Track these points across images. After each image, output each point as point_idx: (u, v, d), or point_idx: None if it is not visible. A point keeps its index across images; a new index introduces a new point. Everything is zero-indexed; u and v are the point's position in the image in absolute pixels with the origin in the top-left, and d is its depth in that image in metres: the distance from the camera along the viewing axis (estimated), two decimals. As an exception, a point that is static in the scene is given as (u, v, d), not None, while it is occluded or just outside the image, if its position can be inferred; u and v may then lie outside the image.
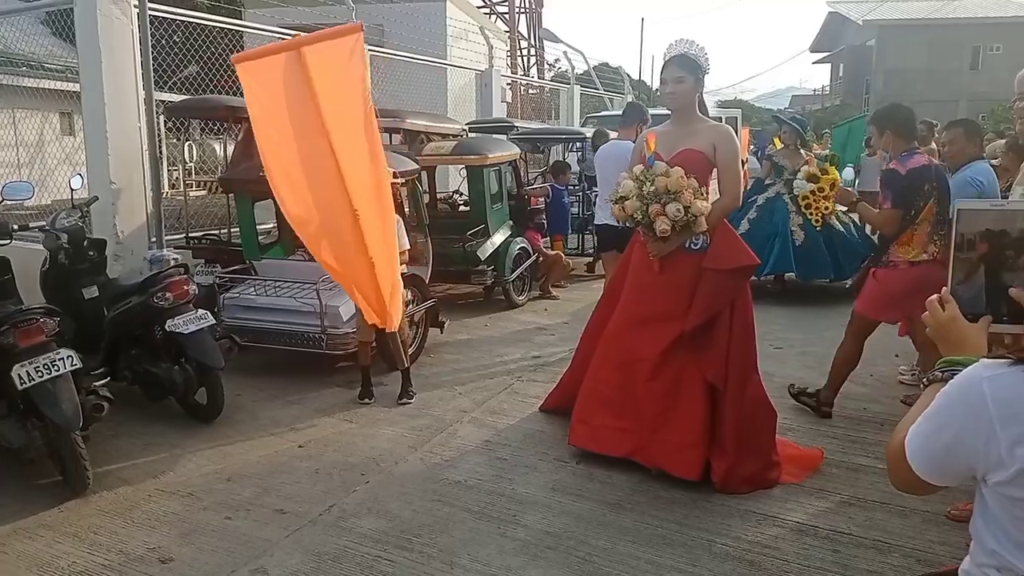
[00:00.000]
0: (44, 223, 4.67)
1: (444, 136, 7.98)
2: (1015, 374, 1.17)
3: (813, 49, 41.12)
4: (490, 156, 7.01)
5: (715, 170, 3.73)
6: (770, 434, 3.72)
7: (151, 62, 5.95)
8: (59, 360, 3.47)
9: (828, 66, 41.99)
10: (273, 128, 3.82)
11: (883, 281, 4.18)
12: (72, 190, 4.83)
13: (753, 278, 7.71)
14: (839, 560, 2.99)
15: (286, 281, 5.32)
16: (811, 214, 7.52)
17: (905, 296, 4.02)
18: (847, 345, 4.42)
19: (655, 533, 3.18)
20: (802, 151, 7.81)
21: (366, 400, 4.74)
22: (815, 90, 47.19)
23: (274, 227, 6.35)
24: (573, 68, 16.32)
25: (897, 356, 5.61)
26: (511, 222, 7.60)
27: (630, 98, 18.66)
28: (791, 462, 3.74)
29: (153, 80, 6.01)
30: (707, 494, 3.49)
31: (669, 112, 3.88)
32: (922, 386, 1.38)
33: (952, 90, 30.35)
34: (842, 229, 7.70)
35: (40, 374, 3.39)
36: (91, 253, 4.69)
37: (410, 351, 4.97)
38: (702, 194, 3.55)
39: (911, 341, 4.84)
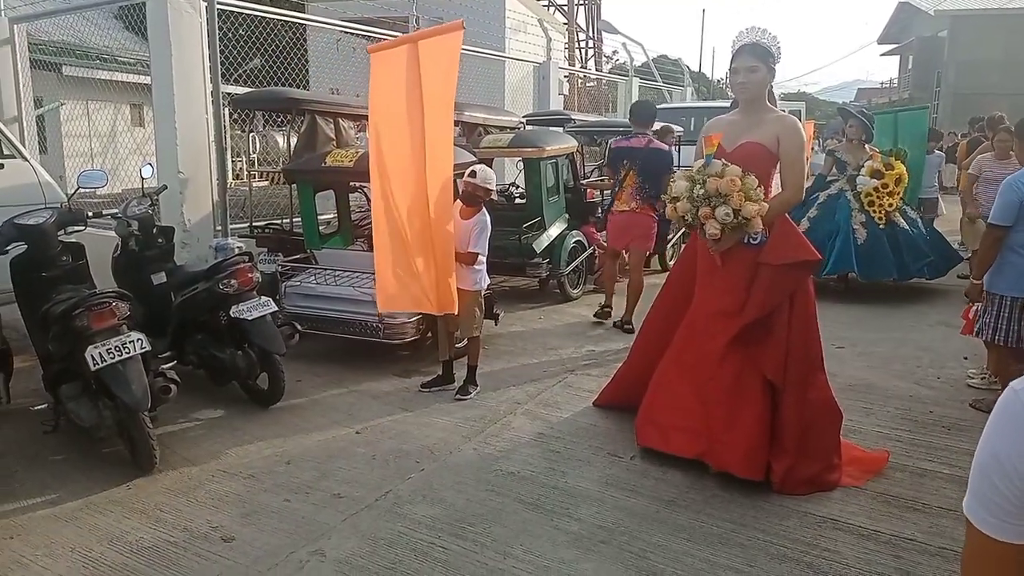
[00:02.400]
0: (117, 211, 4.85)
1: (502, 128, 7.99)
2: None
3: (881, 41, 39.83)
4: (547, 149, 6.99)
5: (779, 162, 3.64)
6: (834, 436, 3.63)
7: (218, 55, 6.10)
8: (130, 343, 3.59)
9: (896, 59, 40.62)
10: (386, 113, 4.21)
11: (610, 222, 6.47)
12: (143, 179, 4.98)
13: (815, 277, 7.57)
14: (901, 567, 2.90)
15: (345, 270, 5.41)
16: (874, 211, 7.29)
17: (618, 230, 6.41)
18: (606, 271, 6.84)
19: (711, 532, 3.14)
20: (866, 146, 7.59)
21: (432, 389, 4.80)
22: (882, 83, 45.74)
23: (334, 217, 6.45)
24: (632, 60, 16.18)
25: (966, 359, 5.43)
26: (567, 215, 7.57)
27: (689, 91, 18.42)
28: (854, 464, 3.65)
29: (220, 73, 6.17)
30: (764, 494, 3.43)
31: (725, 105, 3.82)
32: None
33: (1030, 83, 29.02)
34: (907, 227, 7.45)
35: (112, 356, 3.52)
36: (160, 240, 4.85)
37: (461, 344, 4.99)
38: (757, 195, 3.44)
39: (981, 344, 4.67)
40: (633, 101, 15.26)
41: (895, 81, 41.60)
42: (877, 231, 7.26)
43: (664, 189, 4.11)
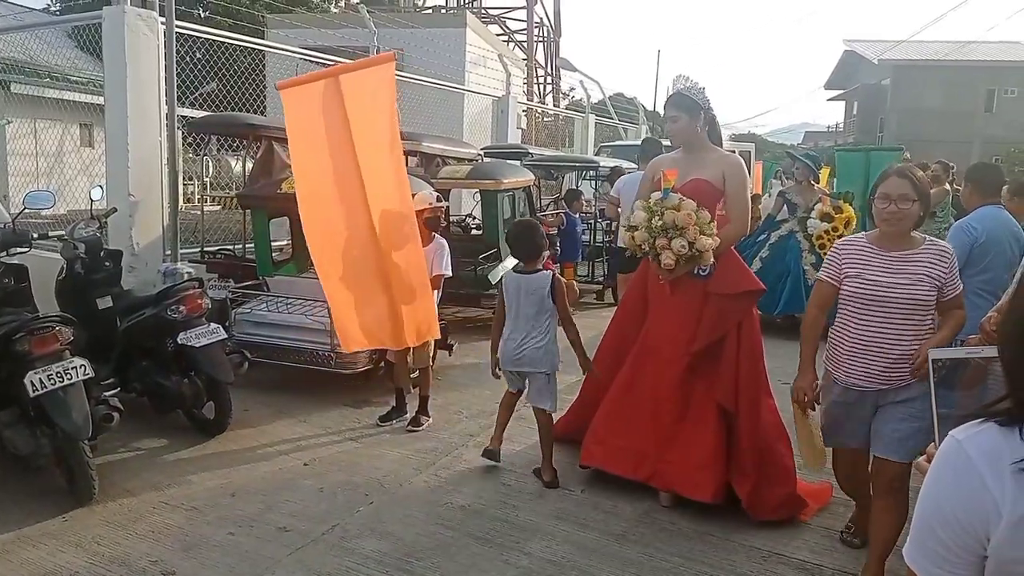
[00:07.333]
0: (63, 232, 4.73)
1: (460, 160, 8.04)
2: (989, 430, 1.15)
3: (828, 86, 41.33)
4: (504, 181, 7.06)
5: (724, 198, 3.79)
6: (789, 459, 3.73)
7: (175, 78, 6.04)
8: (72, 368, 3.50)
9: (842, 104, 42.17)
10: (308, 149, 4.05)
11: None
12: (92, 201, 4.88)
13: (765, 316, 7.65)
14: (844, 601, 2.96)
15: (297, 298, 5.34)
16: (824, 254, 7.46)
17: None
18: None
19: (659, 566, 3.16)
20: (815, 187, 7.82)
21: (391, 422, 4.73)
22: (829, 127, 47.35)
23: (287, 244, 6.39)
24: (589, 97, 16.46)
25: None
26: (523, 247, 7.61)
27: (644, 128, 18.80)
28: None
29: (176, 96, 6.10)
30: (713, 528, 3.47)
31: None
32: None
33: (966, 132, 30.37)
34: None
35: (53, 382, 3.41)
36: (107, 264, 4.73)
37: (415, 374, 4.96)
38: (711, 229, 3.57)
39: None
40: (589, 136, 15.61)
41: (841, 125, 43.12)
42: None
43: None
